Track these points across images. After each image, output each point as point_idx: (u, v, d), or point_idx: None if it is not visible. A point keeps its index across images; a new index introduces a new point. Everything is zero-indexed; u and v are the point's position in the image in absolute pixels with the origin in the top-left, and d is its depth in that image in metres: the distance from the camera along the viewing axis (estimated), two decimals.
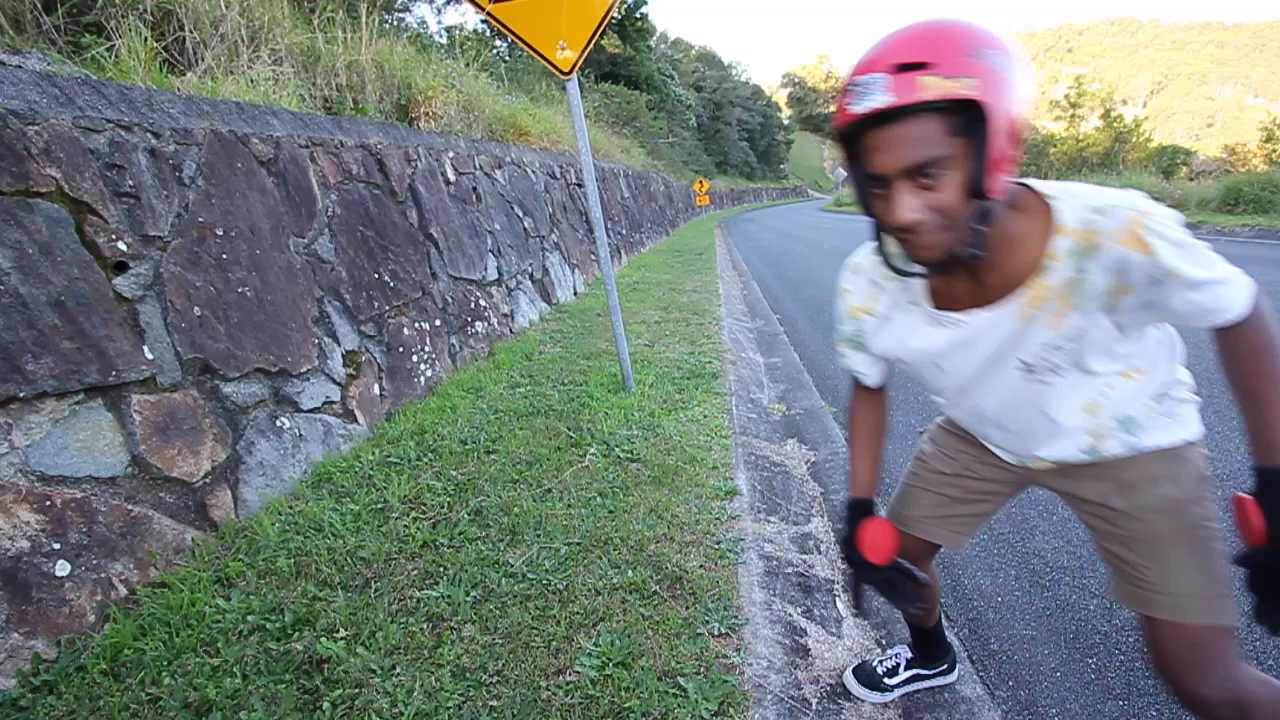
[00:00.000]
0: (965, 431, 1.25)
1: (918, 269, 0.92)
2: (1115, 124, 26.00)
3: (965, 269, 0.93)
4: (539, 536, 2.17)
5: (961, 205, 0.81)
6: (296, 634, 1.70)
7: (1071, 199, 0.88)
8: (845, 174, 1.01)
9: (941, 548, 1.33)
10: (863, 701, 1.56)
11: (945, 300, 1.00)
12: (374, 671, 1.56)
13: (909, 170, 0.79)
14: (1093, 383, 0.97)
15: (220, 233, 2.42)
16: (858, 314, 1.12)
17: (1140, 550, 1.01)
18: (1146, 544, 1.01)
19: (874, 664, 1.60)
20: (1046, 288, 0.90)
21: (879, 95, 0.76)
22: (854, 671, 1.61)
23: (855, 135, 0.83)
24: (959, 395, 1.10)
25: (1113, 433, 1.02)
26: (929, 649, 1.57)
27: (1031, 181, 0.93)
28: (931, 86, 0.74)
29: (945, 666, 1.61)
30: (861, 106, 0.77)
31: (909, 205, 0.80)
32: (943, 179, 0.79)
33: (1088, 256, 0.86)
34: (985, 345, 0.98)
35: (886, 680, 1.57)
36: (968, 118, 0.76)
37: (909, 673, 1.58)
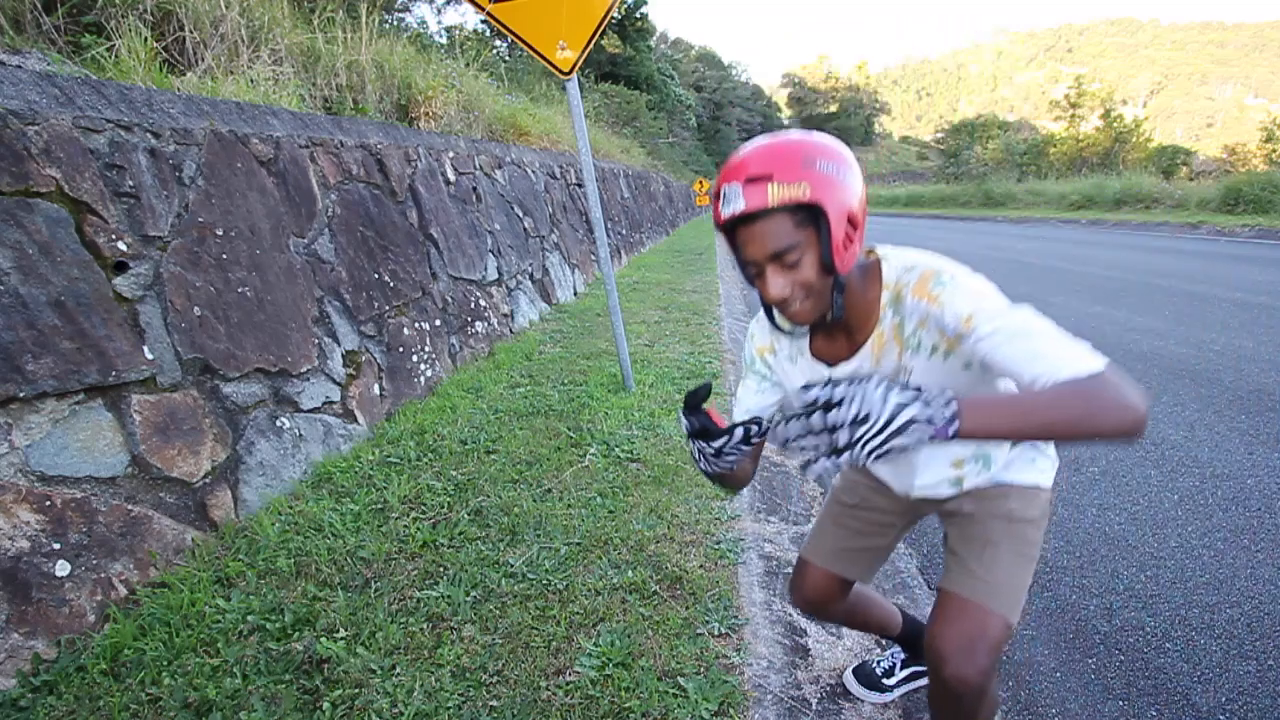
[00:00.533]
0: (868, 471, 1.39)
1: (799, 329, 1.16)
2: (1115, 124, 25.99)
3: (837, 327, 1.13)
4: (539, 536, 2.17)
5: (819, 280, 0.99)
6: (296, 634, 1.70)
7: (895, 260, 1.09)
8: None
9: (853, 583, 1.43)
10: (862, 701, 1.56)
11: (823, 353, 1.18)
12: (374, 671, 1.56)
13: (771, 256, 0.98)
14: None
15: (220, 233, 2.42)
16: (763, 353, 1.28)
17: (975, 545, 1.18)
18: (980, 541, 1.18)
19: (873, 664, 1.61)
20: (881, 334, 1.09)
21: (738, 201, 0.95)
22: (854, 672, 1.61)
23: (730, 231, 1.01)
24: None
25: (971, 466, 1.21)
26: (918, 647, 1.58)
27: (881, 249, 1.12)
28: (774, 194, 0.93)
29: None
30: (728, 211, 0.97)
31: (777, 284, 0.99)
32: (801, 261, 0.98)
33: (898, 306, 1.06)
34: None
35: (885, 680, 1.59)
36: (810, 213, 0.96)
37: (906, 671, 1.59)
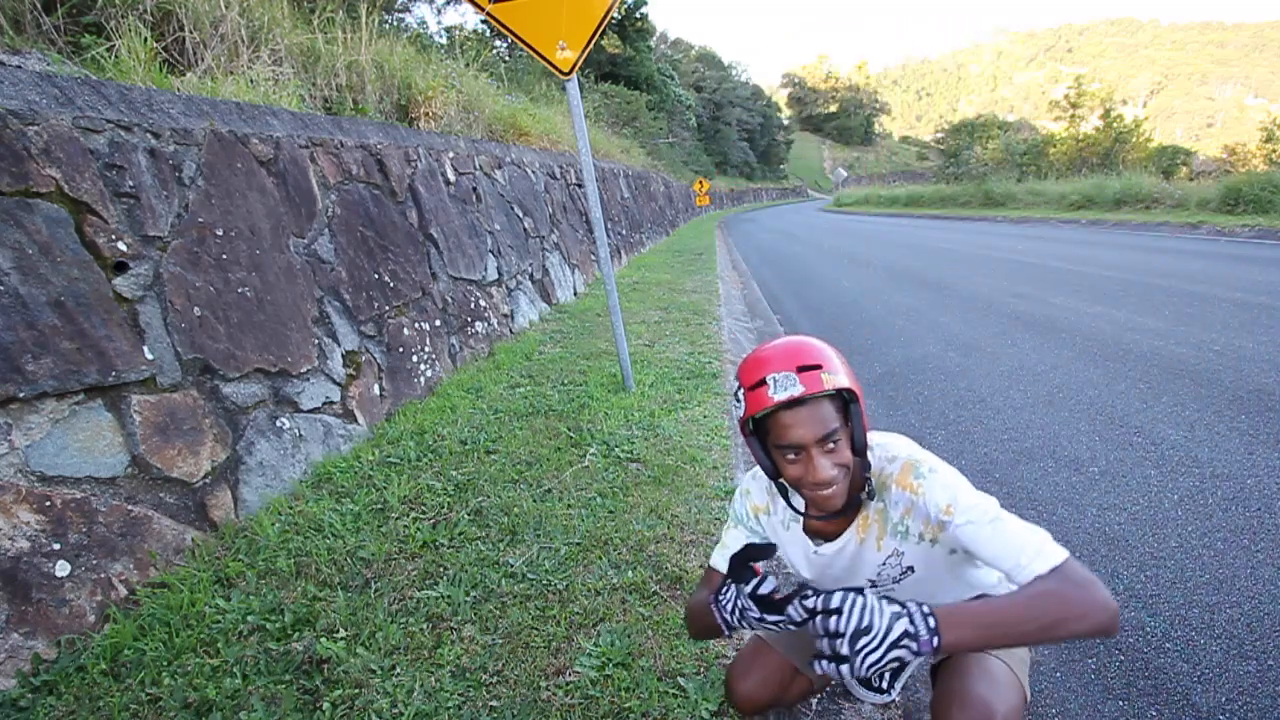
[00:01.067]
0: None
1: (819, 515, 1.17)
2: (1115, 124, 25.96)
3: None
4: (539, 537, 2.17)
5: (851, 462, 1.09)
6: (296, 634, 1.70)
7: (879, 449, 1.17)
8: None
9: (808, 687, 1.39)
10: (862, 702, 1.56)
11: (815, 530, 1.25)
12: (374, 672, 1.56)
13: (820, 439, 1.05)
14: (931, 595, 1.15)
15: (220, 233, 2.42)
16: (758, 512, 1.32)
17: (970, 661, 1.15)
18: (967, 662, 1.16)
19: None
20: (866, 517, 1.17)
21: (795, 387, 1.03)
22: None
23: (763, 419, 1.09)
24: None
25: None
26: None
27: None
28: (828, 380, 1.04)
29: None
30: (783, 394, 1.04)
31: (825, 466, 1.06)
32: (840, 444, 1.07)
33: (883, 494, 1.15)
34: (838, 567, 1.24)
35: (884, 683, 1.53)
36: (842, 402, 1.08)
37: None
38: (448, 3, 15.48)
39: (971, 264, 9.66)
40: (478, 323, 4.55)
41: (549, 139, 8.30)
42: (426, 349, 3.75)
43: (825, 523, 1.22)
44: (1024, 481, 2.75)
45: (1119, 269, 8.24)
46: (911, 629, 0.88)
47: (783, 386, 1.04)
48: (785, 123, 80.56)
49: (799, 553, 1.29)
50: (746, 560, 1.07)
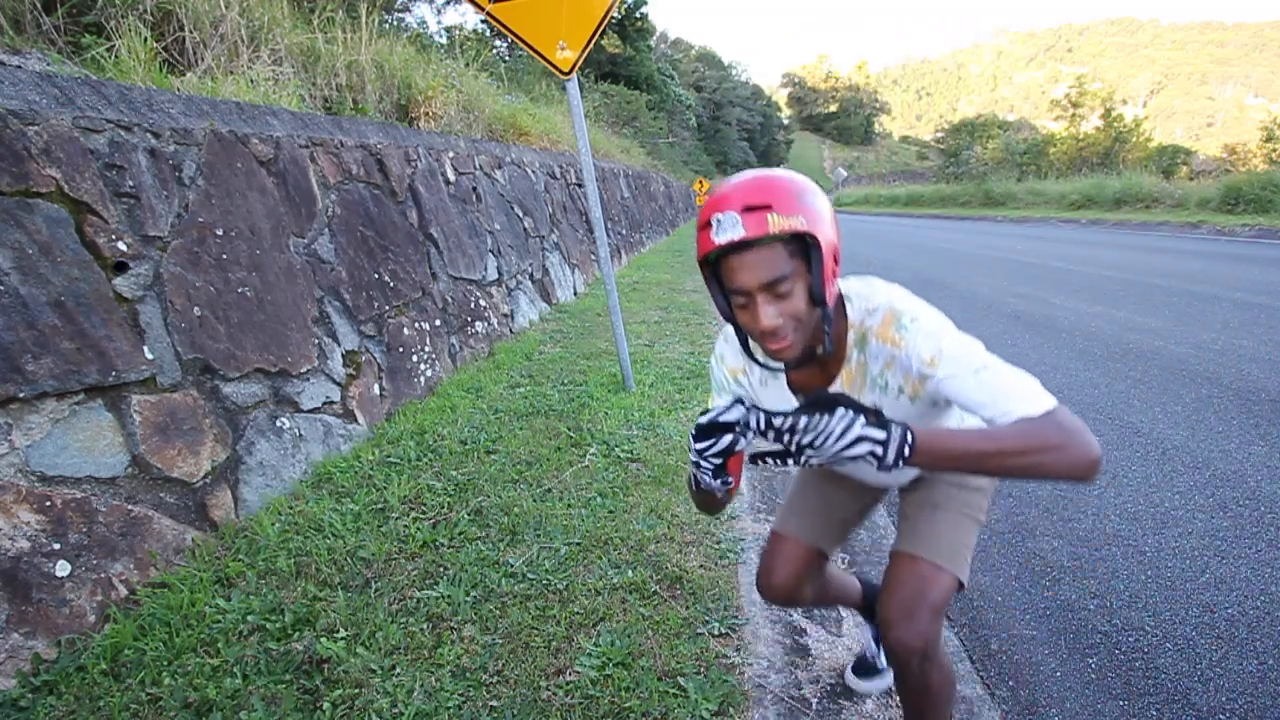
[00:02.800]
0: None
1: (777, 364, 1.14)
2: (1115, 124, 25.95)
3: (811, 359, 1.15)
4: (539, 536, 2.17)
5: (808, 312, 1.02)
6: (296, 634, 1.70)
7: (858, 300, 1.12)
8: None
9: (828, 558, 1.43)
10: (865, 699, 1.56)
11: (797, 382, 1.21)
12: (374, 671, 1.56)
13: (765, 285, 0.99)
14: None
15: (220, 233, 2.42)
16: (735, 374, 1.28)
17: (924, 509, 1.26)
18: (929, 505, 1.26)
19: (868, 656, 1.60)
20: (848, 372, 1.15)
21: (736, 229, 0.95)
22: (853, 670, 1.61)
23: (716, 260, 1.03)
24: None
25: None
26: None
27: (842, 284, 1.14)
28: (774, 223, 0.95)
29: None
30: (724, 238, 0.96)
31: (769, 313, 1.00)
32: (792, 291, 1.00)
33: (864, 347, 1.11)
34: None
35: (879, 664, 1.59)
36: (801, 245, 0.99)
37: None
38: (448, 3, 15.49)
39: (971, 263, 9.66)
40: (478, 322, 4.55)
41: (549, 139, 8.29)
42: (426, 349, 3.75)
43: (807, 377, 1.19)
44: (1024, 480, 2.75)
45: (1119, 268, 8.24)
46: (877, 438, 0.88)
47: (724, 228, 0.97)
48: (785, 122, 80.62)
49: (781, 408, 1.23)
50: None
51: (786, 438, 0.90)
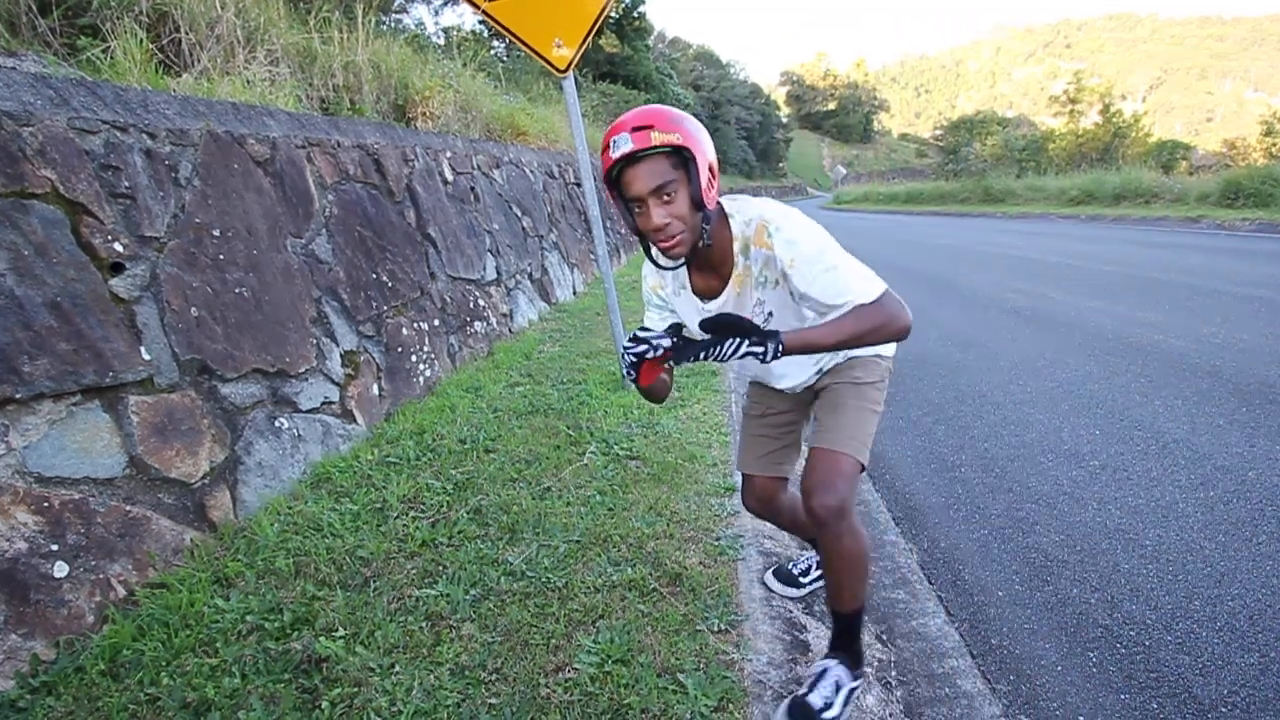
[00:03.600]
0: (759, 380, 1.72)
1: (673, 264, 1.40)
2: (1114, 119, 25.91)
3: (705, 265, 1.43)
4: (538, 534, 2.17)
5: (690, 215, 1.26)
6: (295, 633, 1.70)
7: (739, 215, 1.37)
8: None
9: (787, 480, 1.73)
10: (783, 598, 1.87)
11: (700, 289, 1.48)
12: (373, 670, 1.56)
13: (653, 190, 1.23)
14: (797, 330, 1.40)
15: (217, 233, 2.42)
16: (656, 289, 1.56)
17: (828, 408, 1.52)
18: (833, 406, 1.51)
19: (790, 566, 1.95)
20: (737, 275, 1.41)
21: (627, 144, 1.20)
22: (773, 572, 1.96)
23: (617, 176, 1.26)
24: None
25: (825, 357, 1.55)
26: None
27: (726, 202, 1.39)
28: (656, 137, 1.20)
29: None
30: (617, 153, 1.21)
31: (659, 214, 1.24)
32: (676, 196, 1.24)
33: (746, 253, 1.38)
34: None
35: (801, 579, 1.92)
36: (682, 159, 1.23)
37: (818, 572, 1.89)
38: (445, 3, 15.49)
39: (971, 260, 9.65)
40: (477, 322, 4.54)
41: (547, 138, 8.29)
42: (425, 349, 3.75)
43: (707, 282, 1.46)
44: (1024, 476, 2.74)
45: (1119, 263, 8.23)
46: (757, 350, 1.21)
47: (618, 146, 1.20)
48: (784, 121, 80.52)
49: (691, 313, 1.51)
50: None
51: (701, 355, 1.23)
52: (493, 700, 1.48)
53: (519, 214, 6.04)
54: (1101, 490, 2.57)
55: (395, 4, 12.01)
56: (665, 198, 1.23)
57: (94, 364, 1.87)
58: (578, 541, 2.11)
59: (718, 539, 2.14)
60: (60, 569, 1.69)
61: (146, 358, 2.04)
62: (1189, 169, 22.39)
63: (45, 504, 1.71)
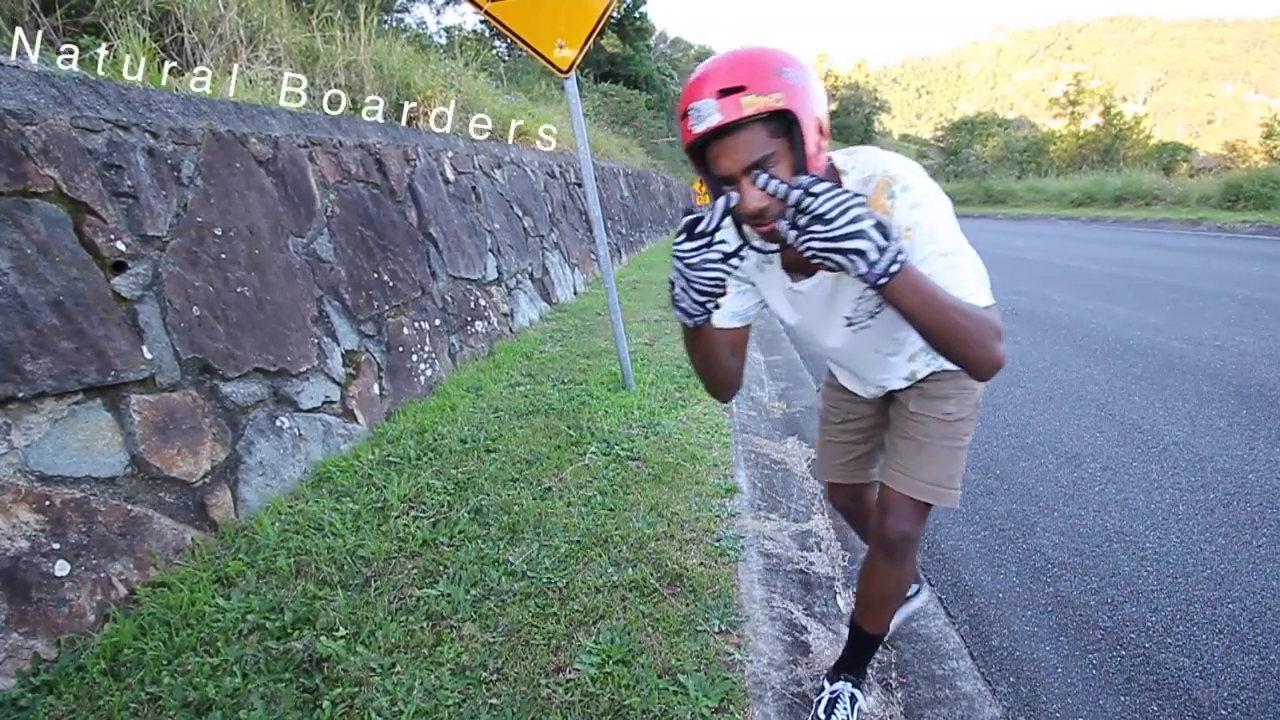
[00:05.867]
0: (837, 382, 1.56)
1: (770, 247, 1.09)
2: (1115, 121, 25.96)
3: None
4: (539, 535, 2.17)
5: None
6: (296, 633, 1.70)
7: (855, 170, 1.09)
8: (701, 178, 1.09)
9: (870, 482, 1.59)
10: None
11: (792, 264, 1.20)
12: (374, 670, 1.56)
13: (747, 169, 0.95)
14: (901, 327, 1.15)
15: (219, 232, 2.42)
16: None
17: (914, 444, 1.33)
18: (915, 442, 1.33)
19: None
20: None
21: (713, 116, 0.93)
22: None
23: (700, 149, 1.00)
24: (813, 342, 1.36)
25: (921, 359, 1.33)
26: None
27: (836, 157, 1.11)
28: (749, 104, 0.92)
29: (914, 590, 1.81)
30: (701, 127, 0.94)
31: (754, 196, 0.96)
32: (775, 172, 0.95)
33: None
34: (816, 302, 1.22)
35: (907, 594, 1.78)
36: (784, 122, 0.95)
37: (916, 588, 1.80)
38: (447, 3, 15.49)
39: None
40: (477, 322, 4.55)
41: (548, 138, 8.28)
42: (426, 348, 3.75)
43: (801, 255, 1.13)
44: (1025, 477, 2.75)
45: (1120, 265, 8.23)
46: (872, 250, 0.87)
47: (701, 117, 0.94)
48: None
49: (779, 293, 1.26)
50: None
51: (799, 196, 0.87)
52: (494, 700, 1.48)
53: (520, 214, 6.05)
54: (1102, 492, 2.57)
55: (397, 3, 12.01)
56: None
57: (96, 363, 1.87)
58: (579, 542, 2.12)
59: (719, 540, 2.14)
60: (61, 568, 1.69)
61: (148, 357, 2.04)
62: (1190, 171, 22.42)
63: (47, 503, 1.71)
